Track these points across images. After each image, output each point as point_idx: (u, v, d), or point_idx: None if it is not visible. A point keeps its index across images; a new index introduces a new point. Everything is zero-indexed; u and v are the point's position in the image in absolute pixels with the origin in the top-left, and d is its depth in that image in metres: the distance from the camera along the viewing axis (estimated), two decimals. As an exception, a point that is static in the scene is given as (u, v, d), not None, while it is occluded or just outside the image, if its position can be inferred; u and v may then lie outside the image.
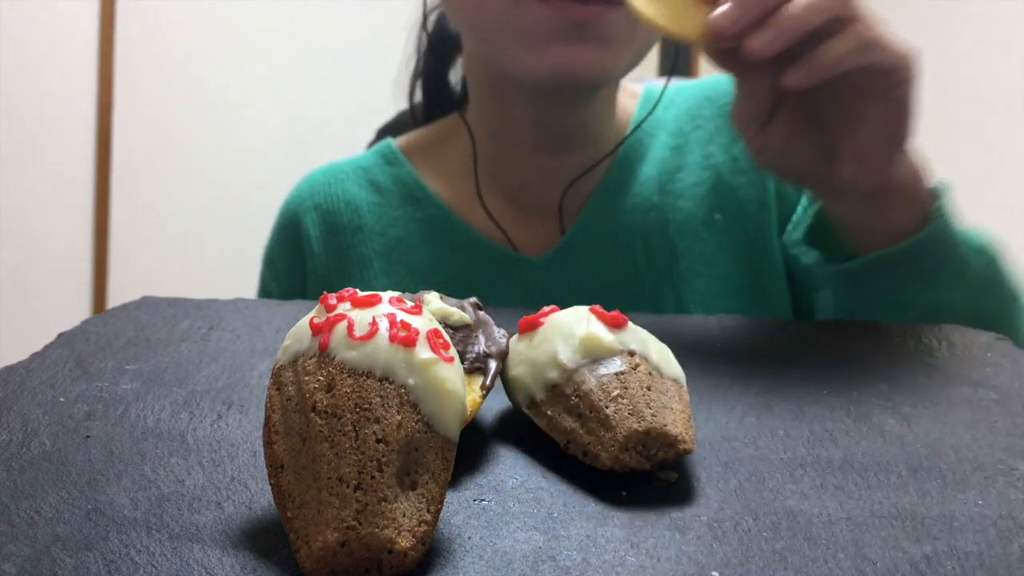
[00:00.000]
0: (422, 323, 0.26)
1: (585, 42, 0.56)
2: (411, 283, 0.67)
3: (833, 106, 0.50)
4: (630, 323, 0.32)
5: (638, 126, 0.70)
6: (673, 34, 0.46)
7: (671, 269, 0.64)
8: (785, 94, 0.49)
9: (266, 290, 0.75)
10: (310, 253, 0.70)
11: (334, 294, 0.27)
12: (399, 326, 0.25)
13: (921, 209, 0.52)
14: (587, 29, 0.56)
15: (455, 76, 0.77)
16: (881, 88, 0.48)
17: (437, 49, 0.75)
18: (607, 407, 0.28)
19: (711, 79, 0.72)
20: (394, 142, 0.75)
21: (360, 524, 0.22)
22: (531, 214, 0.68)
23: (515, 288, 0.65)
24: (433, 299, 0.33)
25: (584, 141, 0.67)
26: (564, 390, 0.30)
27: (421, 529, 0.23)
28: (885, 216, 0.52)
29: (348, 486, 0.22)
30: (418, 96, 0.79)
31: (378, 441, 0.23)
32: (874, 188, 0.51)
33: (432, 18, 0.74)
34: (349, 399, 0.24)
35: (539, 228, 0.68)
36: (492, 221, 0.67)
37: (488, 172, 0.69)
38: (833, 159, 0.50)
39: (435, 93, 0.77)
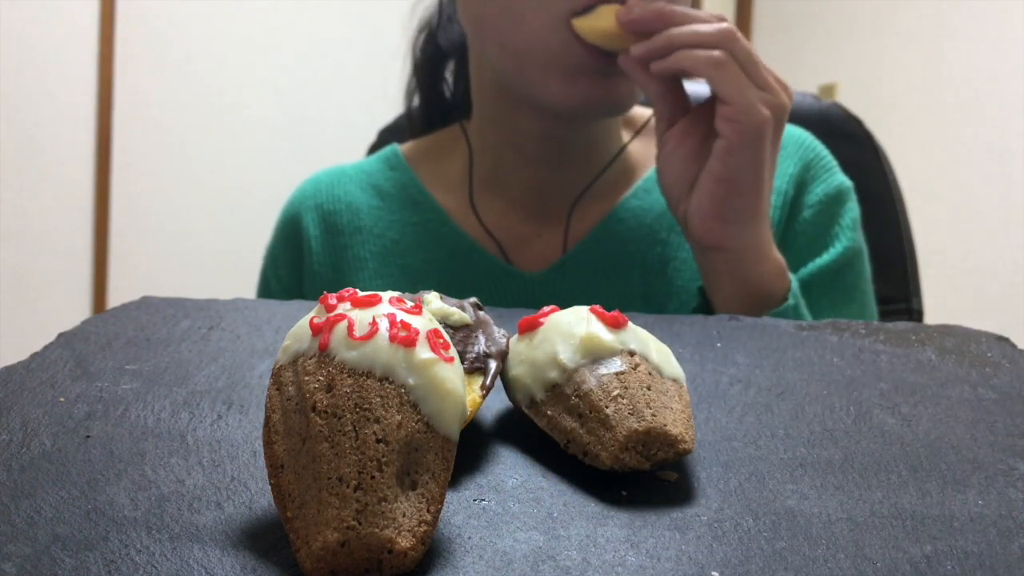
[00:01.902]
0: (422, 323, 0.26)
1: (615, 76, 0.59)
2: (405, 285, 0.67)
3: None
4: (630, 323, 0.32)
5: (634, 137, 0.70)
6: (595, 42, 0.57)
7: (664, 305, 0.64)
8: (684, 109, 0.57)
9: (267, 286, 0.75)
10: (308, 251, 0.71)
11: (334, 294, 0.27)
12: (399, 326, 0.25)
13: (748, 301, 0.56)
14: (614, 60, 0.57)
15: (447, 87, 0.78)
16: (720, 122, 0.53)
17: (428, 65, 0.76)
18: (607, 407, 0.28)
19: None
20: (400, 148, 0.75)
21: (360, 524, 0.22)
22: (533, 226, 0.68)
23: (506, 300, 0.65)
24: (433, 299, 0.33)
25: (588, 155, 0.67)
26: (564, 390, 0.30)
27: (421, 529, 0.23)
28: (714, 280, 0.56)
29: (348, 486, 0.22)
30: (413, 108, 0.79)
31: (378, 441, 0.23)
32: (702, 238, 0.55)
33: (421, 38, 0.75)
34: (349, 399, 0.24)
35: (538, 241, 0.68)
36: (486, 232, 0.67)
37: (490, 182, 0.69)
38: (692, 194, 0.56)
39: (430, 105, 0.77)
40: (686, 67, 0.53)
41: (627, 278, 0.65)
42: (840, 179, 0.68)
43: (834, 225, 0.66)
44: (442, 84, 0.77)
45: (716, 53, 0.52)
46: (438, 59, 0.76)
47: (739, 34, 0.54)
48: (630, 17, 0.54)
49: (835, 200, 0.67)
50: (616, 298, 0.64)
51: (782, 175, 0.67)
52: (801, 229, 0.66)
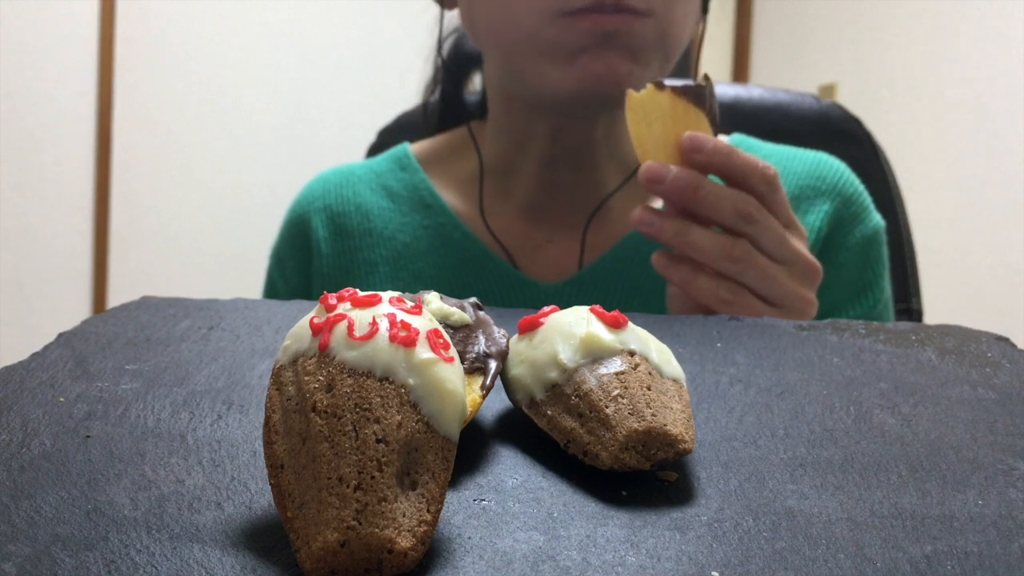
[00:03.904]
0: (422, 323, 0.26)
1: (613, 51, 0.56)
2: (416, 291, 0.66)
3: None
4: (630, 323, 0.32)
5: None
6: (638, 152, 0.51)
7: None
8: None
9: (273, 287, 0.75)
10: (317, 252, 0.70)
11: (334, 294, 0.27)
12: (399, 326, 0.25)
13: None
14: (615, 39, 0.56)
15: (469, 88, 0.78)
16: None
17: (452, 68, 0.75)
18: (607, 407, 0.28)
19: (803, 153, 0.70)
20: (410, 148, 0.74)
21: (360, 524, 0.22)
22: (544, 232, 0.66)
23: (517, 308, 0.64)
24: (433, 299, 0.33)
25: (596, 159, 0.66)
26: (564, 390, 0.30)
27: (421, 529, 0.23)
28: None
29: (348, 486, 0.22)
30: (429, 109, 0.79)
31: (378, 441, 0.23)
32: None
33: (448, 43, 0.75)
34: (349, 399, 0.24)
35: (550, 247, 0.66)
36: (494, 239, 0.66)
37: (500, 187, 0.68)
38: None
39: (450, 108, 0.77)
40: (691, 293, 0.50)
41: (647, 299, 0.63)
42: (876, 220, 0.67)
43: (869, 271, 0.65)
44: (462, 88, 0.77)
45: (723, 294, 0.49)
46: (461, 63, 0.75)
47: (756, 240, 0.48)
48: (654, 186, 0.49)
49: (872, 243, 0.66)
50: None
51: (818, 212, 0.65)
52: (836, 272, 0.64)
